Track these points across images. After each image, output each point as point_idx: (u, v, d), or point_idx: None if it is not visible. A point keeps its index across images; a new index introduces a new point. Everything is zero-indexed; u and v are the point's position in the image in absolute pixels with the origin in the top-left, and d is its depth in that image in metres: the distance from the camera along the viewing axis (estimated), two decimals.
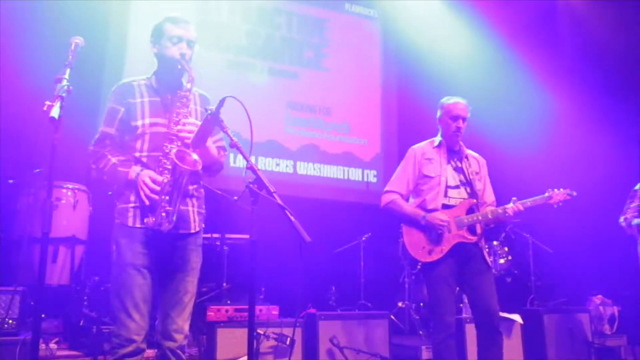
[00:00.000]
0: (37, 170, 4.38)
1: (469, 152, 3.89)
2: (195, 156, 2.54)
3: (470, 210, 3.65)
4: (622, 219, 4.90)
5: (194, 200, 2.73)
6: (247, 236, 2.20)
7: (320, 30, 7.24)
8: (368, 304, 5.82)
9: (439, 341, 3.50)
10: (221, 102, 2.41)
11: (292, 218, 2.15)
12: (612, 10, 6.81)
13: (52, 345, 3.97)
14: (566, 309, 5.24)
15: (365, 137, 7.26)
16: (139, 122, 2.63)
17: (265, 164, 6.53)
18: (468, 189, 3.72)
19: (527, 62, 7.21)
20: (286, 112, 6.79)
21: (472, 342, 4.48)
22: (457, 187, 3.73)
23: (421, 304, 5.74)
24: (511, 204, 3.60)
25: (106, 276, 4.87)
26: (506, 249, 6.09)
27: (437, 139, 3.85)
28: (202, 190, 2.81)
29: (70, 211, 4.66)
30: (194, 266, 2.70)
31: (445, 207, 3.66)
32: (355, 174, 7.07)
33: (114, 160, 2.62)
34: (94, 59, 5.64)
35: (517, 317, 4.73)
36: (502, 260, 5.96)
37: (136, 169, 2.59)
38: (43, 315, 4.24)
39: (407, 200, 3.82)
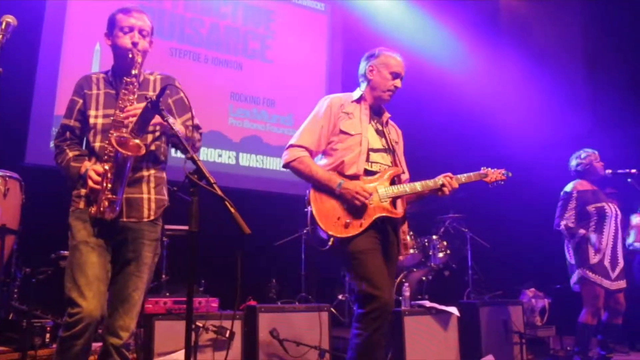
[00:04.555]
0: None
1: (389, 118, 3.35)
2: (137, 141, 2.47)
3: (393, 181, 3.07)
4: (563, 223, 4.80)
5: (150, 186, 2.67)
6: (186, 227, 2.14)
7: (266, 21, 7.18)
8: (309, 296, 5.84)
9: (374, 329, 2.79)
10: (162, 91, 2.38)
11: (232, 209, 2.12)
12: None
13: None
14: (501, 302, 5.40)
15: None
16: (92, 113, 2.64)
17: (208, 154, 6.44)
18: (391, 157, 3.14)
19: (474, 55, 7.37)
20: (229, 102, 6.72)
21: (411, 335, 4.56)
22: (380, 150, 3.12)
23: None
24: (443, 177, 3.08)
25: (38, 268, 4.72)
26: (445, 243, 6.22)
27: (357, 92, 3.23)
28: (162, 175, 2.75)
29: (0, 200, 4.46)
30: (147, 261, 2.62)
31: (368, 173, 3.03)
32: None
33: (70, 155, 2.64)
34: (28, 40, 5.42)
35: (454, 310, 4.83)
36: (440, 254, 6.08)
37: (87, 164, 2.57)
38: None
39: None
